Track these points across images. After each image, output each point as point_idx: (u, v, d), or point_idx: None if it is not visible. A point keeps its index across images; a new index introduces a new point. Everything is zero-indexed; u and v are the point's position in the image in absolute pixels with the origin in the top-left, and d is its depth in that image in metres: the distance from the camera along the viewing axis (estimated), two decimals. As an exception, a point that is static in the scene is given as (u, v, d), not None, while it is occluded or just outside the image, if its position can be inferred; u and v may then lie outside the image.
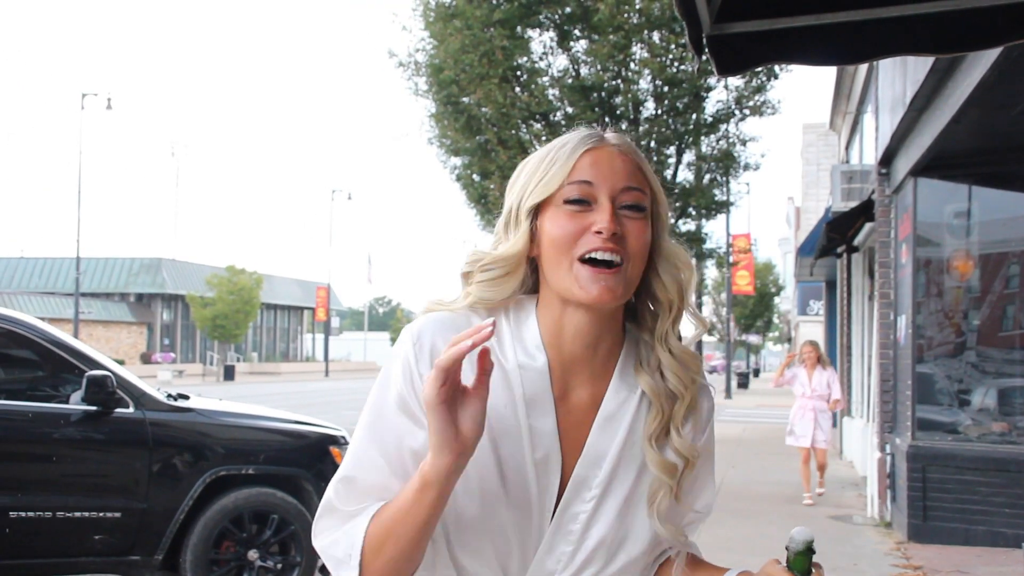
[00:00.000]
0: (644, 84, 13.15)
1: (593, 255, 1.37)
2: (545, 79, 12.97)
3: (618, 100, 12.88)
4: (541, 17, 12.73)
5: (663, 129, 13.08)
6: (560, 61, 13.19)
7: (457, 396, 1.28)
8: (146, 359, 50.61)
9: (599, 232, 1.37)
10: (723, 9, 2.54)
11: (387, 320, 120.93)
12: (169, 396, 5.96)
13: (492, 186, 12.88)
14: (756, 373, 65.75)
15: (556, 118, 12.87)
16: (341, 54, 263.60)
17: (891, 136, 8.57)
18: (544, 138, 12.54)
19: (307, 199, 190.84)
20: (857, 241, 13.00)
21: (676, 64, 12.77)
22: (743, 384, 44.26)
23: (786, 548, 1.36)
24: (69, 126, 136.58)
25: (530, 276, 1.48)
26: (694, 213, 14.30)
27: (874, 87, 10.38)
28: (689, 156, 14.11)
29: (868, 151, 12.58)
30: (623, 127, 13.09)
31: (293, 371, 60.08)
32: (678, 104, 13.01)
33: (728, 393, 35.59)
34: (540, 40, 13.19)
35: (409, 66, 13.54)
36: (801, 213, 34.04)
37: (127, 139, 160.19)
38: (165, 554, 5.60)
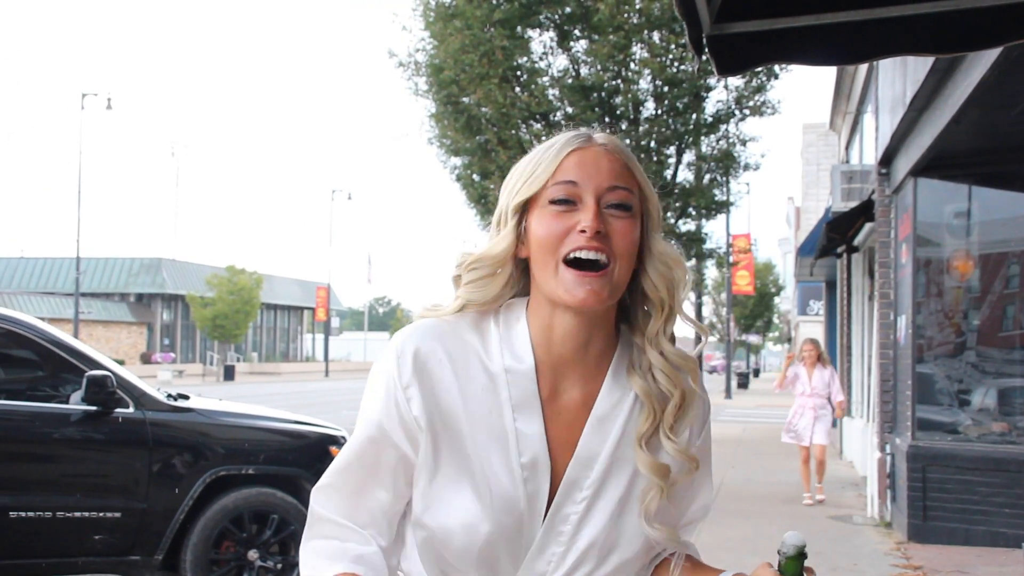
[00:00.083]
0: (644, 84, 13.15)
1: (577, 254, 1.38)
2: (545, 79, 12.98)
3: (618, 100, 12.89)
4: (541, 17, 12.73)
5: (663, 129, 13.08)
6: (560, 61, 13.21)
7: None
8: (146, 359, 50.62)
9: (583, 231, 1.38)
10: (723, 9, 2.54)
11: (387, 320, 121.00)
12: (169, 396, 5.96)
13: (492, 186, 12.88)
14: (756, 373, 65.76)
15: (556, 118, 12.87)
16: (341, 54, 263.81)
17: (891, 136, 8.57)
18: (544, 138, 12.50)
19: (307, 199, 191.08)
20: (857, 241, 13.00)
21: (676, 64, 12.77)
22: (743, 384, 44.26)
23: (778, 552, 1.36)
24: (69, 126, 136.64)
25: (521, 278, 1.48)
26: (694, 213, 14.31)
27: (874, 87, 10.39)
28: (689, 156, 14.12)
29: (868, 151, 12.58)
30: (623, 127, 13.11)
31: (293, 371, 60.09)
32: (678, 104, 13.02)
33: (728, 393, 35.60)
34: (540, 40, 13.20)
35: (409, 66, 13.54)
36: (801, 213, 34.03)
37: (127, 139, 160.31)
38: (165, 554, 5.60)
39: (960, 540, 7.59)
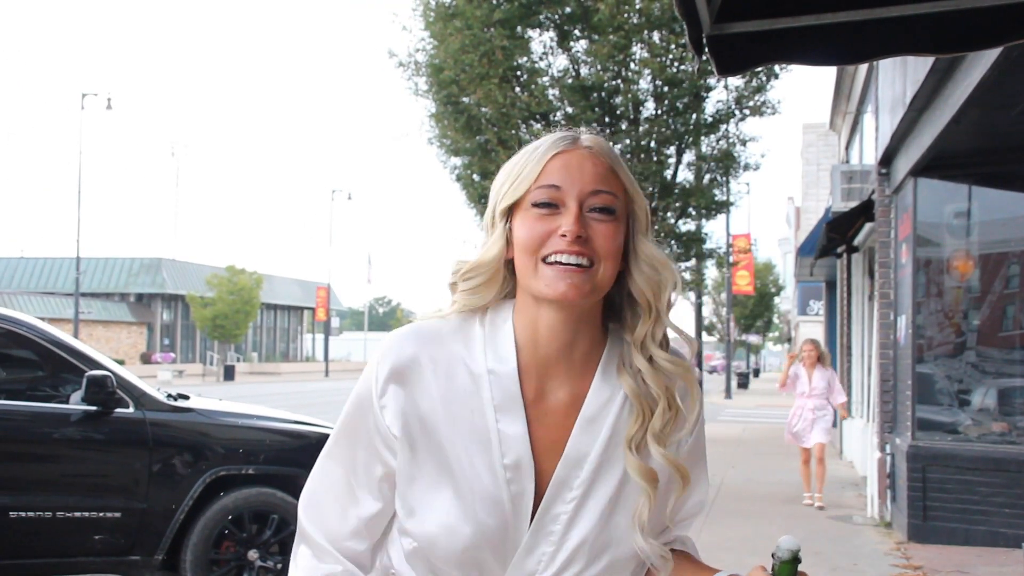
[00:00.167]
0: (644, 84, 13.14)
1: (558, 258, 1.38)
2: (545, 79, 12.97)
3: (618, 100, 12.88)
4: (541, 17, 12.72)
5: (663, 129, 13.07)
6: (560, 61, 13.19)
7: None
8: (146, 359, 50.62)
9: (564, 235, 1.38)
10: (723, 9, 2.55)
11: (387, 320, 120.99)
12: (169, 396, 5.96)
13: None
14: (756, 373, 65.77)
15: (556, 118, 12.85)
16: (341, 54, 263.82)
17: (891, 136, 8.57)
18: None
19: (307, 199, 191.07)
20: (857, 241, 13.00)
21: (676, 64, 12.76)
22: (743, 384, 44.26)
23: (772, 555, 1.36)
24: (69, 126, 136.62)
25: (511, 279, 1.49)
26: (694, 213, 14.28)
27: (874, 87, 10.39)
28: (689, 156, 14.10)
29: (868, 151, 12.58)
30: (623, 127, 13.10)
31: (293, 371, 60.08)
32: (678, 104, 13.00)
33: (728, 393, 35.60)
34: (540, 40, 13.18)
35: (409, 66, 13.53)
36: (801, 213, 34.02)
37: (127, 139, 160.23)
38: (165, 554, 5.60)
39: (960, 540, 7.59)
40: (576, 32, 12.89)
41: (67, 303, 46.17)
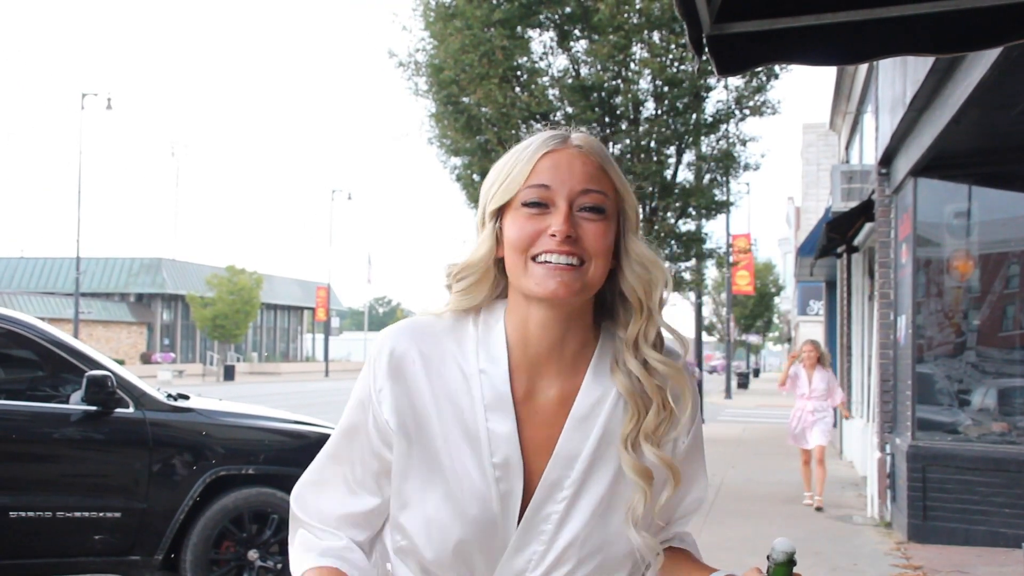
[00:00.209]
0: (644, 84, 13.14)
1: (547, 258, 1.39)
2: (545, 79, 12.97)
3: (618, 100, 12.88)
4: (541, 17, 12.72)
5: (663, 129, 13.08)
6: (560, 61, 13.19)
7: None
8: (146, 359, 50.62)
9: (553, 235, 1.39)
10: (723, 9, 2.55)
11: (387, 320, 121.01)
12: (169, 396, 5.96)
13: (492, 186, 12.84)
14: (756, 373, 65.77)
15: (556, 118, 12.86)
16: (341, 54, 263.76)
17: (891, 136, 8.57)
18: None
19: (307, 199, 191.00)
20: (857, 241, 13.00)
21: (676, 64, 12.76)
22: (743, 384, 44.26)
23: (767, 557, 1.36)
24: (69, 126, 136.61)
25: (504, 279, 1.49)
26: (694, 213, 14.29)
27: (874, 87, 10.39)
28: (689, 156, 14.10)
29: (868, 151, 12.58)
30: (623, 127, 13.10)
31: (293, 371, 60.08)
32: (678, 104, 13.01)
33: (728, 393, 35.60)
34: (540, 40, 13.19)
35: (409, 66, 13.54)
36: (801, 213, 34.03)
37: (127, 139, 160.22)
38: (165, 554, 5.60)
39: (960, 540, 7.59)
40: (576, 32, 12.90)
41: (67, 303, 46.17)
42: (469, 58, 12.16)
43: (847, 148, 17.50)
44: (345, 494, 1.51)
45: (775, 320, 62.00)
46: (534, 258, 1.40)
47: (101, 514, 5.44)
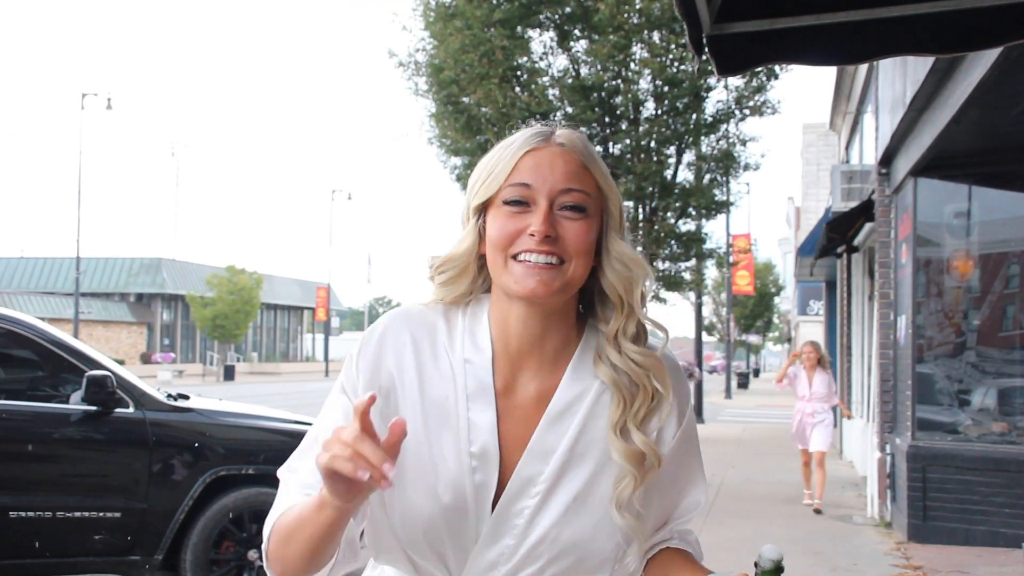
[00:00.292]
0: (644, 84, 13.15)
1: (527, 257, 1.40)
2: (545, 79, 12.98)
3: (618, 100, 12.88)
4: (541, 17, 12.73)
5: (663, 129, 13.08)
6: (560, 61, 13.21)
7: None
8: (146, 359, 50.61)
9: (532, 235, 1.40)
10: (723, 9, 2.55)
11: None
12: (169, 396, 5.96)
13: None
14: (756, 373, 65.77)
15: (556, 118, 12.87)
16: (341, 54, 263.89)
17: (891, 136, 8.57)
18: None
19: (307, 199, 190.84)
20: (857, 241, 13.00)
21: (676, 64, 12.77)
22: (743, 384, 44.29)
23: (755, 564, 1.35)
24: (69, 126, 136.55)
25: (486, 272, 1.50)
26: (694, 213, 14.30)
27: (874, 87, 10.39)
28: (689, 156, 14.11)
29: (868, 151, 12.58)
30: (623, 127, 13.10)
31: (293, 371, 60.08)
32: (678, 104, 13.01)
33: (728, 393, 35.62)
34: (540, 40, 13.20)
35: (409, 66, 13.54)
36: (801, 213, 34.03)
37: (127, 139, 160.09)
38: (165, 554, 5.60)
39: (960, 540, 7.59)
40: (576, 32, 12.90)
41: (67, 303, 46.16)
42: (469, 58, 12.17)
43: (847, 148, 17.50)
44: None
45: (775, 320, 62.00)
46: (514, 256, 1.41)
47: (101, 514, 5.44)
